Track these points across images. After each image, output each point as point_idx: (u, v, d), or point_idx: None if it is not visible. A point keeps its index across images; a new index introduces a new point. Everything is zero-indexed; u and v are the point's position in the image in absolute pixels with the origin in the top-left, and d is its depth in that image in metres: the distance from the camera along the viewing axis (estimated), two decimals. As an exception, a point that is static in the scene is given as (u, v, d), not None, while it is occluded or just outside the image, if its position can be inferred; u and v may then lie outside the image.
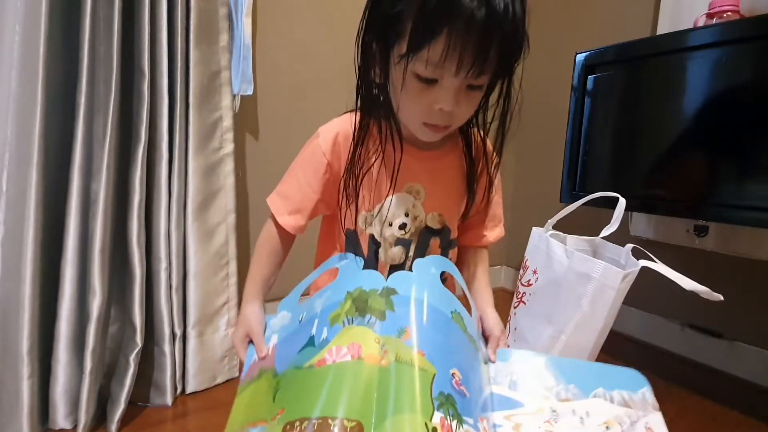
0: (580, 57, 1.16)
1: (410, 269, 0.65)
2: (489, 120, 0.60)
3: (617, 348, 1.21)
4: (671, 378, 1.15)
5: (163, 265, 0.95)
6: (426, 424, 0.41)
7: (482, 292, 0.68)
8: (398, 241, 0.63)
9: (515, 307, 0.96)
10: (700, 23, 1.04)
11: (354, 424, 0.41)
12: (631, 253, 0.83)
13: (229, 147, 1.05)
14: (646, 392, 0.54)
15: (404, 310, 0.49)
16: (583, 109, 1.16)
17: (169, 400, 0.97)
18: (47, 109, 0.79)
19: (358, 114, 0.60)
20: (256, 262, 0.64)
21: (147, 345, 0.94)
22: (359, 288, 0.52)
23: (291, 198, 0.62)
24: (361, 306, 0.50)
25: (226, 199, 1.06)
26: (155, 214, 0.95)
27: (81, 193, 0.85)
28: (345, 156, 0.61)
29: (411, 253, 0.64)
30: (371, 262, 0.64)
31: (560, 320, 0.81)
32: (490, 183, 0.67)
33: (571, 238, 0.96)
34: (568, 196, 1.18)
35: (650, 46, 1.06)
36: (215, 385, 1.05)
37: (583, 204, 0.93)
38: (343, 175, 0.60)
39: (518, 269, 1.00)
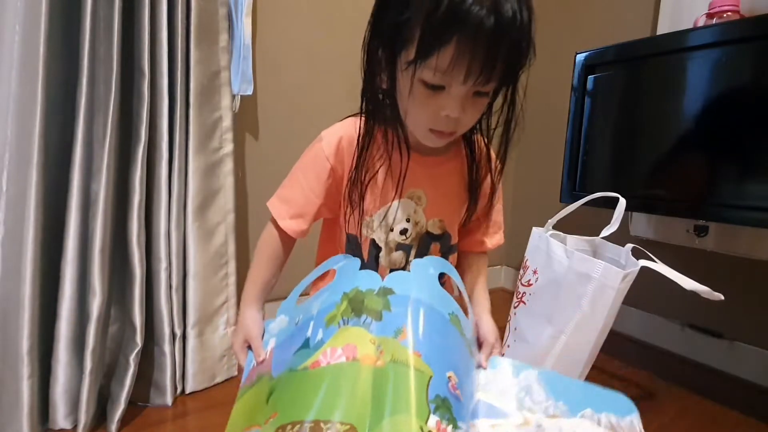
0: (580, 57, 1.16)
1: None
2: (493, 126, 0.59)
3: (617, 348, 1.21)
4: (671, 378, 1.15)
5: (163, 265, 0.95)
6: (422, 427, 0.40)
7: (479, 299, 0.68)
8: (399, 246, 0.63)
9: (515, 307, 0.96)
10: (700, 23, 1.05)
11: (348, 427, 0.40)
12: (631, 253, 0.83)
13: (228, 147, 1.05)
14: (634, 420, 0.53)
15: (401, 309, 0.48)
16: (583, 109, 1.16)
17: (169, 400, 0.97)
18: (47, 109, 0.79)
19: (363, 119, 0.59)
20: (255, 266, 0.64)
21: (147, 345, 0.94)
22: (356, 288, 0.51)
23: (293, 202, 0.62)
24: (357, 306, 0.49)
25: (226, 198, 1.06)
26: (155, 214, 0.95)
27: (81, 193, 0.85)
28: (348, 161, 0.60)
29: (411, 258, 0.64)
30: (372, 267, 0.63)
31: (560, 320, 0.81)
32: (494, 190, 0.66)
33: (571, 238, 0.96)
34: (568, 196, 1.18)
35: (650, 46, 1.06)
36: (214, 385, 1.05)
37: (583, 204, 0.93)
38: (347, 180, 0.60)
39: (518, 269, 1.00)
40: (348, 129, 0.61)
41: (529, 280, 0.92)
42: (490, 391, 0.53)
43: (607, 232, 0.84)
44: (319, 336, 0.48)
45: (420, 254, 0.65)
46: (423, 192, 0.62)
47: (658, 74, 1.02)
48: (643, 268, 0.76)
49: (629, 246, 0.84)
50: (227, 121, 1.04)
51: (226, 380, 1.08)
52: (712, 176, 0.94)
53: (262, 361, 0.54)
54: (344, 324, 0.48)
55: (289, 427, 0.41)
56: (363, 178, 0.59)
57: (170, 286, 0.97)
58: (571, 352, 0.81)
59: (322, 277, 0.64)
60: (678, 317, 1.30)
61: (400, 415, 0.41)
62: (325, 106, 1.30)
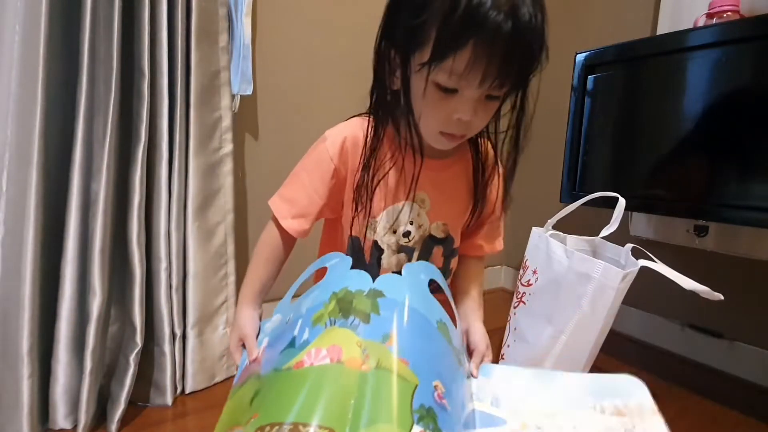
0: (580, 57, 1.16)
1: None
2: (502, 130, 0.59)
3: (617, 348, 1.21)
4: (671, 378, 1.15)
5: (163, 265, 0.95)
6: None
7: (472, 305, 0.67)
8: (401, 249, 0.63)
9: (515, 307, 0.96)
10: (700, 23, 1.04)
11: (326, 431, 0.39)
12: (630, 253, 0.83)
13: (228, 147, 1.05)
14: (642, 397, 0.50)
15: (390, 314, 0.47)
16: (583, 109, 1.16)
17: (169, 400, 0.97)
18: (47, 109, 0.79)
19: (372, 120, 0.59)
20: (254, 265, 0.63)
21: (147, 345, 0.94)
22: (345, 288, 0.50)
23: (296, 202, 0.61)
24: (345, 307, 0.48)
25: (225, 199, 1.06)
26: (155, 214, 0.95)
27: (81, 193, 0.85)
28: (352, 161, 0.60)
29: (413, 261, 0.64)
30: (374, 268, 0.63)
31: (560, 320, 0.81)
32: (500, 196, 0.66)
33: (571, 238, 0.96)
34: (568, 196, 1.18)
35: (650, 46, 1.06)
36: (214, 384, 1.05)
37: (583, 204, 0.93)
38: (356, 181, 0.59)
39: (518, 269, 1.00)
40: (353, 129, 0.61)
41: (529, 280, 0.92)
42: (483, 400, 0.52)
43: (606, 232, 0.84)
44: (305, 335, 0.47)
45: (422, 257, 0.64)
46: (427, 195, 0.62)
47: (658, 74, 1.02)
48: (643, 268, 0.76)
49: (629, 246, 0.84)
50: (227, 121, 1.04)
51: (225, 380, 1.08)
52: (712, 176, 0.94)
53: (255, 360, 0.54)
54: (331, 324, 0.47)
55: (267, 428, 0.40)
56: (372, 179, 0.59)
57: (170, 286, 0.97)
58: (571, 352, 0.81)
59: (322, 275, 0.64)
60: (678, 317, 1.30)
61: (382, 424, 0.40)
62: (324, 106, 1.30)
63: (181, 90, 0.95)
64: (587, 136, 1.16)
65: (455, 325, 0.56)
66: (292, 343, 0.48)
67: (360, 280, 0.50)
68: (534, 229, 0.96)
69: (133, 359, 0.90)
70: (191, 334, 1.01)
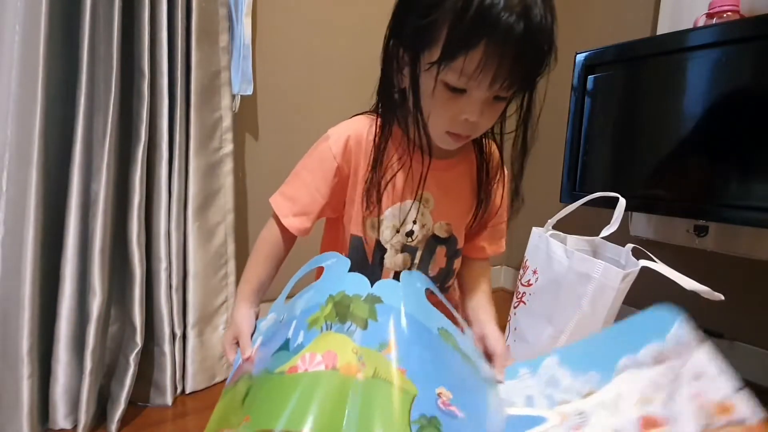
0: (580, 57, 1.16)
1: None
2: (507, 131, 0.59)
3: (617, 348, 1.21)
4: (671, 378, 1.15)
5: (163, 265, 0.95)
6: None
7: (484, 309, 0.65)
8: (404, 248, 0.63)
9: (515, 307, 0.96)
10: (700, 23, 1.04)
11: None
12: (631, 253, 0.83)
13: (229, 147, 1.05)
14: (678, 331, 0.44)
15: (387, 320, 0.46)
16: (583, 109, 1.16)
17: (169, 400, 0.97)
18: (47, 109, 0.79)
19: (379, 118, 0.59)
20: (253, 263, 0.63)
21: (147, 345, 0.94)
22: (342, 292, 0.48)
23: (297, 200, 0.61)
24: (342, 311, 0.46)
25: (226, 198, 1.06)
26: (155, 214, 0.95)
27: (81, 193, 0.85)
28: (356, 160, 0.60)
29: (417, 261, 0.64)
30: (376, 268, 0.63)
31: (560, 320, 0.81)
32: (516, 194, 0.65)
33: (571, 238, 0.96)
34: (568, 196, 1.18)
35: (650, 46, 1.06)
36: (214, 384, 1.05)
37: (583, 204, 0.93)
38: (366, 180, 0.59)
39: (518, 269, 1.00)
40: (356, 127, 0.60)
41: (529, 280, 0.92)
42: (516, 403, 0.49)
43: (607, 232, 0.84)
44: (300, 339, 0.46)
45: (425, 257, 0.64)
46: (430, 195, 0.61)
47: (658, 74, 1.02)
48: (643, 268, 0.76)
49: (629, 246, 0.84)
50: (227, 121, 1.04)
51: (225, 380, 1.07)
52: (712, 176, 0.94)
53: (248, 359, 0.53)
54: (327, 329, 0.46)
55: None
56: (381, 179, 0.58)
57: (170, 286, 0.97)
58: (571, 352, 0.81)
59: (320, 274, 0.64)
60: (678, 317, 1.30)
61: None
62: (324, 106, 1.30)
63: (181, 90, 0.95)
64: (587, 136, 1.16)
65: (461, 328, 0.55)
66: (285, 346, 0.47)
67: (358, 284, 0.49)
68: (534, 229, 0.96)
69: (133, 359, 0.90)
70: (191, 334, 1.01)
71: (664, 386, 0.42)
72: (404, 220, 0.61)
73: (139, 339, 0.91)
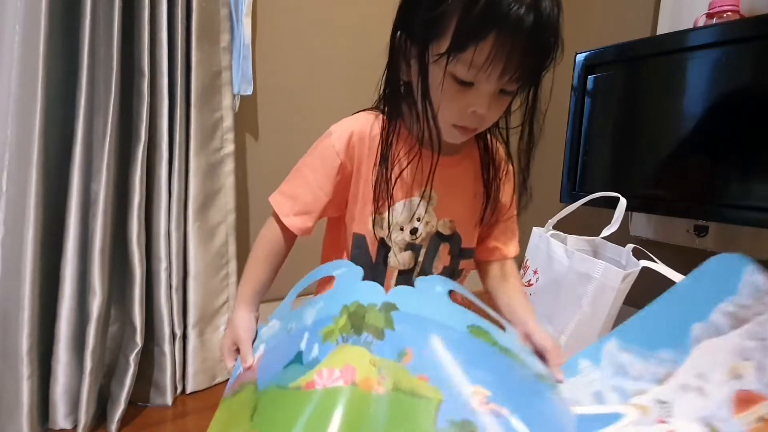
0: (580, 57, 1.16)
1: (419, 275, 0.62)
2: (512, 126, 0.58)
3: (617, 348, 1.21)
4: (671, 378, 1.15)
5: (163, 265, 0.95)
6: None
7: (522, 306, 0.63)
8: (408, 246, 0.62)
9: (515, 307, 0.95)
10: (700, 23, 1.05)
11: None
12: (631, 253, 0.83)
13: (229, 147, 1.05)
14: (751, 278, 0.36)
15: (404, 328, 0.45)
16: (583, 109, 1.17)
17: (169, 400, 0.97)
18: (47, 109, 0.79)
19: (385, 113, 0.58)
20: (252, 264, 0.62)
21: (147, 345, 0.94)
22: (356, 302, 0.46)
23: (299, 199, 0.59)
24: (357, 322, 0.45)
25: (226, 199, 1.06)
26: (155, 214, 0.95)
27: (81, 193, 0.85)
28: (358, 156, 0.59)
29: (420, 259, 0.63)
30: (380, 267, 0.62)
31: (560, 320, 0.81)
32: (524, 190, 0.64)
33: (572, 238, 0.96)
34: (568, 196, 1.18)
35: (650, 46, 1.06)
36: (215, 385, 1.05)
37: (583, 204, 0.93)
38: (376, 178, 0.58)
39: (518, 269, 1.00)
40: (359, 124, 0.59)
41: (530, 280, 0.92)
42: (582, 401, 0.44)
43: (607, 232, 0.84)
44: (315, 352, 0.44)
45: (429, 255, 0.63)
46: (435, 191, 0.61)
47: (658, 74, 1.02)
48: (644, 268, 0.76)
49: (630, 246, 0.84)
50: (228, 121, 1.04)
51: (226, 380, 1.07)
52: (712, 176, 0.94)
53: (249, 367, 0.52)
54: (343, 341, 0.44)
55: None
56: (389, 175, 0.57)
57: (170, 286, 0.97)
58: (571, 352, 0.81)
59: (328, 281, 0.61)
60: (678, 317, 1.30)
61: None
62: (324, 106, 1.30)
63: (182, 90, 0.95)
64: (587, 136, 1.16)
65: (502, 329, 0.52)
66: (298, 359, 0.45)
67: (372, 293, 0.47)
68: (534, 229, 0.97)
69: (133, 359, 0.90)
70: (192, 334, 1.01)
71: (753, 352, 0.34)
72: (413, 216, 0.60)
73: (139, 339, 0.91)
